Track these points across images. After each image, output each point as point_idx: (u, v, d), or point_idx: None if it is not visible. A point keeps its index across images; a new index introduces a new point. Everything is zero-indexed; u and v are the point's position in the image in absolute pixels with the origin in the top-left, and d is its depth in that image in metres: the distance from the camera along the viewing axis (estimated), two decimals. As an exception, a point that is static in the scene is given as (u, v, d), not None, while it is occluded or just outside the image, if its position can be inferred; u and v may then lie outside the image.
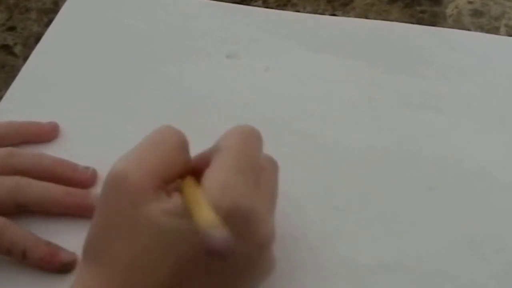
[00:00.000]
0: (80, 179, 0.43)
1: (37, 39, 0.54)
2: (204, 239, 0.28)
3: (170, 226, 0.31)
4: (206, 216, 0.29)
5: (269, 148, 0.45)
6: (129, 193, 0.32)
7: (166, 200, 0.32)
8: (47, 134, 0.46)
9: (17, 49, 0.55)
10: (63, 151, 0.45)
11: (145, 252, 0.31)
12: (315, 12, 0.56)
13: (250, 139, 0.35)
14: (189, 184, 0.33)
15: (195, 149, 0.36)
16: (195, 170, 0.34)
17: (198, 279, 0.32)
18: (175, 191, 0.33)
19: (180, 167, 0.34)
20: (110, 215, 0.32)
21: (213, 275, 0.32)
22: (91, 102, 0.49)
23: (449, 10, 0.56)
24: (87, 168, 0.44)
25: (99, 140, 0.46)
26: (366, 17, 0.55)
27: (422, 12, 0.56)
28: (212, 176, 0.32)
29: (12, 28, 0.56)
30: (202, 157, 0.36)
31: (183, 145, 0.35)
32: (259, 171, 0.35)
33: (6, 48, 0.55)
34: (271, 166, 0.37)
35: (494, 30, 0.54)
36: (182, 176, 0.34)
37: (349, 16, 0.55)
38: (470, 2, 0.56)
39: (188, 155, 0.35)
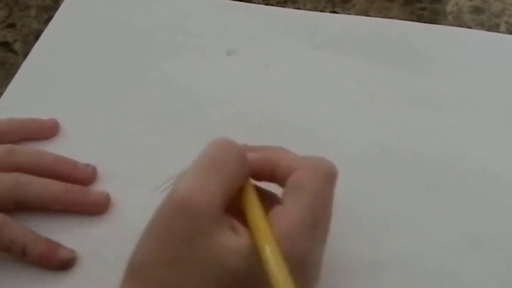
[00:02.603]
0: (80, 177, 0.43)
1: (37, 36, 0.54)
2: None
3: (230, 266, 0.29)
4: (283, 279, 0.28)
5: (268, 145, 0.45)
6: (191, 221, 0.29)
7: (230, 234, 0.30)
8: (47, 131, 0.46)
9: (17, 46, 0.55)
10: (63, 148, 0.45)
11: (199, 286, 0.29)
12: (315, 9, 0.56)
13: (330, 183, 0.33)
14: (255, 213, 0.31)
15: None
16: (254, 173, 0.33)
17: None
18: (241, 224, 0.31)
19: (241, 182, 0.32)
20: (169, 239, 0.30)
21: None
22: (91, 99, 0.49)
23: (449, 7, 0.56)
24: (87, 165, 0.44)
25: (99, 137, 0.46)
26: (366, 14, 0.55)
27: (422, 9, 0.56)
28: (286, 225, 0.30)
29: (11, 25, 0.56)
30: (266, 166, 0.34)
31: (242, 159, 0.32)
32: (317, 214, 0.32)
33: (6, 45, 0.55)
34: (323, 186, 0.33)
35: (495, 27, 0.54)
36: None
37: (349, 13, 0.55)
38: (470, -1, 0.56)
39: (247, 167, 0.33)
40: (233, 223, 0.31)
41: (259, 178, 0.34)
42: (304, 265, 0.30)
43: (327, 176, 0.32)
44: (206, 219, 0.29)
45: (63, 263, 0.39)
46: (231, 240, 0.29)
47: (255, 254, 0.29)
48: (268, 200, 0.33)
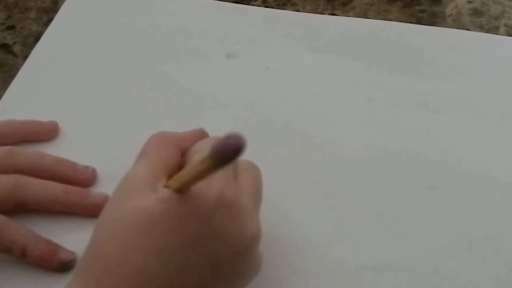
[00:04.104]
0: (80, 178, 0.43)
1: (37, 38, 0.54)
2: (216, 150, 0.28)
3: (159, 211, 0.32)
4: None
5: (268, 148, 0.45)
6: (128, 189, 0.34)
7: (155, 193, 0.33)
8: (47, 133, 0.46)
9: (17, 48, 0.55)
10: (63, 150, 0.45)
11: (136, 240, 0.32)
12: (314, 11, 0.56)
13: None
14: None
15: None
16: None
17: (188, 274, 0.32)
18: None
19: (174, 166, 0.36)
20: (110, 211, 0.34)
21: (202, 271, 0.33)
22: (91, 101, 0.49)
23: (449, 9, 0.56)
24: (86, 167, 0.44)
25: (98, 139, 0.46)
26: (366, 17, 0.55)
27: (422, 11, 0.56)
28: None
29: (11, 27, 0.56)
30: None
31: (173, 154, 0.37)
32: (237, 169, 0.36)
33: (6, 47, 0.55)
34: (253, 169, 0.38)
35: (494, 30, 0.54)
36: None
37: (348, 16, 0.55)
38: (469, 2, 0.56)
39: (177, 155, 0.37)
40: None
41: None
42: (235, 210, 0.34)
43: (215, 140, 0.37)
44: (135, 188, 0.34)
45: (63, 265, 0.39)
46: (154, 194, 0.33)
47: (174, 199, 0.32)
48: None
